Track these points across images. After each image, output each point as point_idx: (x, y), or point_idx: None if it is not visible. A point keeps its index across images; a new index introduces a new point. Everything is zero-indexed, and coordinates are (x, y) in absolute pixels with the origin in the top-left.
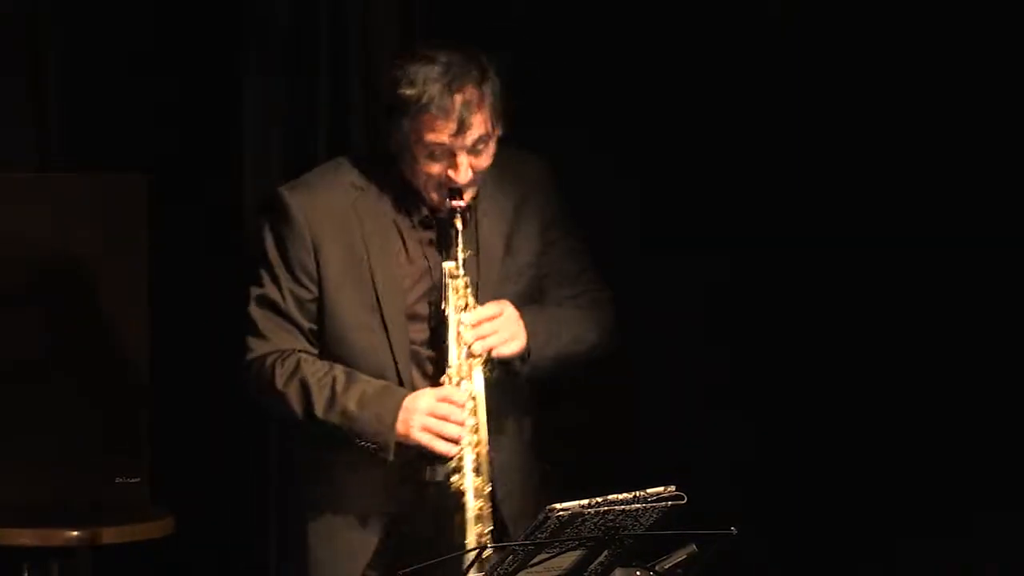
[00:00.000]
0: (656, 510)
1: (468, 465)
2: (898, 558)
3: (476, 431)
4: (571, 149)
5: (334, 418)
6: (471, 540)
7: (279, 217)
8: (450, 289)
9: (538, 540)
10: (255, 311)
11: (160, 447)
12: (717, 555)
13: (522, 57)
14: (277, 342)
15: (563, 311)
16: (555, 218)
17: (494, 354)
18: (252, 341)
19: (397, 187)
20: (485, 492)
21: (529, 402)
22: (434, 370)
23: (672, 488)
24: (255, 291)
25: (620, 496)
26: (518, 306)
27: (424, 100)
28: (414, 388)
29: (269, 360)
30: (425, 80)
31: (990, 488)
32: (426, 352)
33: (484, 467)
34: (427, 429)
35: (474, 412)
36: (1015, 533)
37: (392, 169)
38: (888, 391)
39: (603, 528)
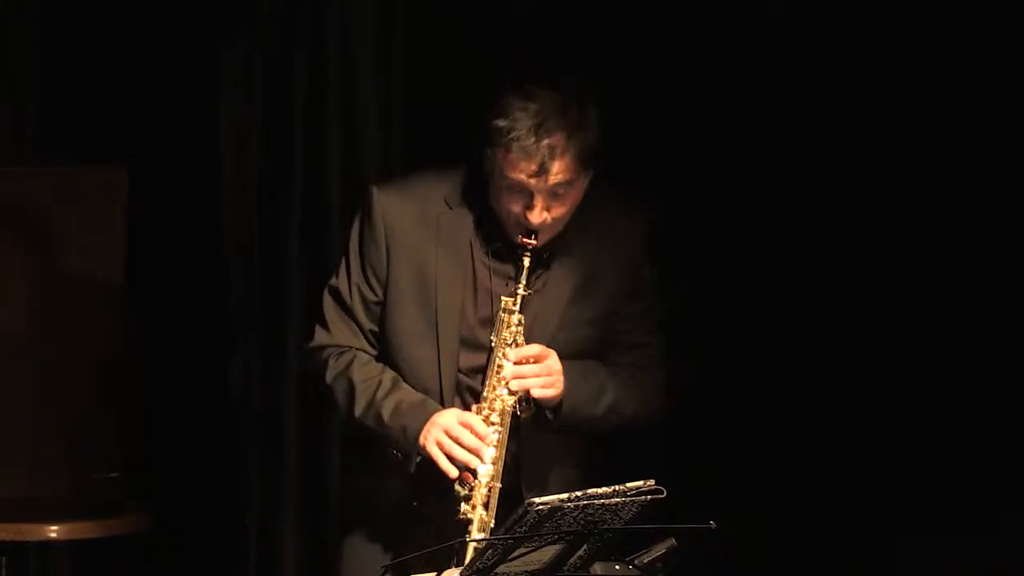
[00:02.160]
0: (635, 504)
1: (479, 498)
2: (896, 559)
3: (494, 464)
4: None
5: (370, 422)
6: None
7: (364, 213)
8: (503, 323)
9: (518, 534)
10: (326, 301)
11: (139, 442)
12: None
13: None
14: (339, 337)
15: (612, 379)
16: (636, 285)
17: (532, 394)
18: (318, 329)
19: (482, 211)
20: (490, 526)
21: (575, 454)
22: (473, 402)
23: (651, 482)
24: (332, 280)
25: (600, 490)
26: (569, 357)
27: (510, 136)
28: (455, 407)
29: (326, 352)
30: (517, 116)
31: (987, 488)
32: (471, 382)
33: (493, 503)
34: (439, 445)
35: (496, 446)
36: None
37: (483, 192)
38: (880, 389)
39: (583, 522)
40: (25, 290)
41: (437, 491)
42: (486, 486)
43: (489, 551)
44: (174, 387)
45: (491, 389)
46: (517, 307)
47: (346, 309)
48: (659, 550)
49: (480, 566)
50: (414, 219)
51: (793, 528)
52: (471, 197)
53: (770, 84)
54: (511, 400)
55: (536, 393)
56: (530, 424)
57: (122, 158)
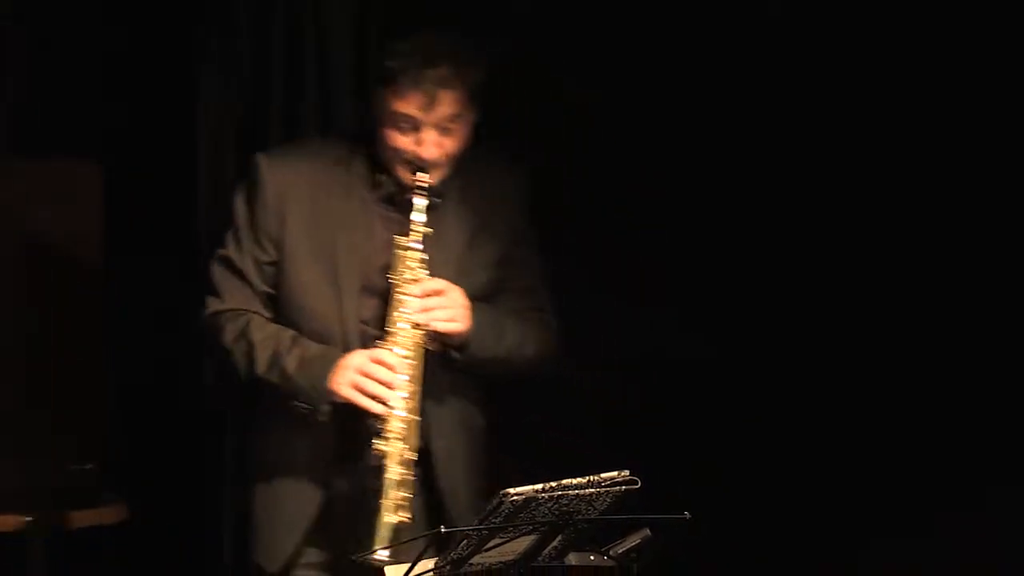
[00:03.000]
0: (610, 495)
1: (394, 431)
2: (867, 557)
3: (409, 399)
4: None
5: (274, 377)
6: (390, 505)
7: (251, 181)
8: (400, 260)
9: (492, 524)
10: (215, 269)
11: (113, 433)
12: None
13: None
14: (232, 302)
15: (510, 319)
16: (521, 232)
17: (437, 328)
18: (209, 299)
19: (372, 163)
20: (408, 459)
21: (478, 403)
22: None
23: (626, 473)
24: (219, 251)
25: (574, 481)
26: (471, 301)
27: (397, 70)
28: None
29: (221, 318)
30: (407, 53)
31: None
32: (374, 331)
33: (412, 437)
34: (355, 386)
35: (409, 380)
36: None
37: (370, 144)
38: (870, 389)
39: (557, 513)
40: (1, 283)
41: (349, 435)
42: (402, 420)
43: (464, 542)
44: (149, 379)
45: (397, 326)
46: (415, 244)
47: (238, 273)
48: (633, 541)
49: (455, 557)
50: (305, 179)
51: (787, 525)
52: (360, 153)
53: (768, 82)
54: (419, 334)
55: (442, 327)
56: (432, 374)
57: (97, 152)
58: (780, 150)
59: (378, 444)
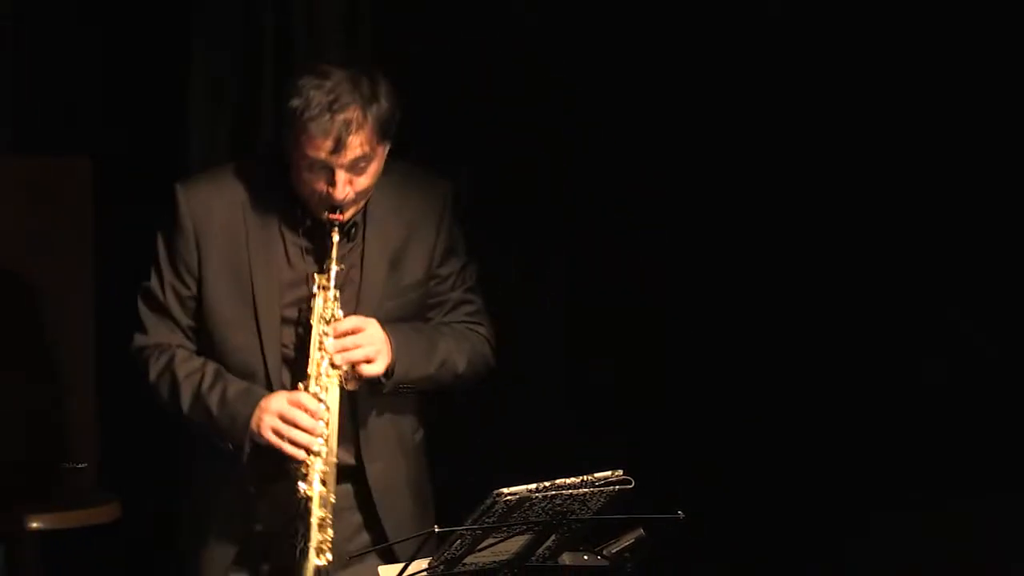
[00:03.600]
0: (604, 494)
1: (316, 474)
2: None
3: (327, 441)
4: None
5: (196, 415)
6: (313, 548)
7: (172, 211)
8: (318, 299)
9: (486, 524)
10: (140, 304)
11: (107, 433)
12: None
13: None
14: (156, 336)
15: (438, 336)
16: (449, 246)
17: (356, 371)
18: (136, 334)
19: (288, 194)
20: (330, 501)
21: (415, 414)
22: (301, 377)
23: (619, 472)
24: (144, 284)
25: (568, 480)
26: (395, 323)
27: (305, 115)
28: (284, 387)
29: (146, 353)
30: (310, 95)
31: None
32: (296, 356)
33: (331, 478)
34: (276, 431)
35: (328, 422)
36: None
37: (287, 175)
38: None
39: (551, 512)
40: None
41: (272, 473)
42: (323, 461)
43: (457, 542)
44: (143, 378)
45: (316, 366)
46: (331, 283)
47: (160, 308)
48: (628, 540)
49: (448, 556)
50: (221, 210)
51: (785, 524)
52: (276, 181)
53: (767, 81)
54: (336, 374)
55: (364, 369)
56: (363, 394)
57: (88, 147)
58: (779, 150)
59: (301, 487)
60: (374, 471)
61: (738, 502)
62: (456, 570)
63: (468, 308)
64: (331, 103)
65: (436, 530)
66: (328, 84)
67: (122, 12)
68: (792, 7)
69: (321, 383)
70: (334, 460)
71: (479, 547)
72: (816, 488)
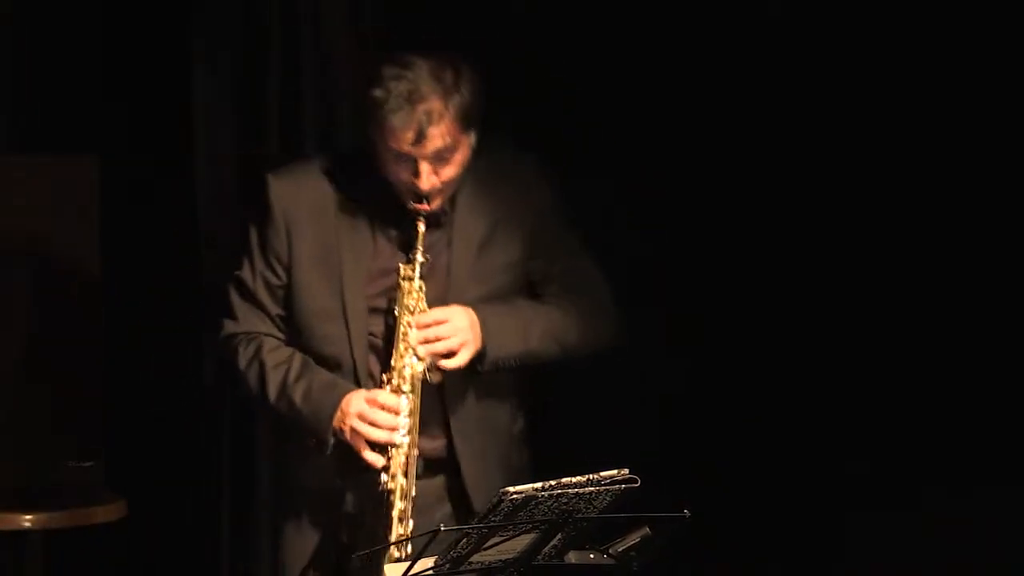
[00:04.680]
0: (610, 493)
1: (398, 467)
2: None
3: (409, 433)
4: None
5: (282, 407)
6: (393, 539)
7: (262, 201)
8: (403, 290)
9: (492, 523)
10: (232, 292)
11: (113, 431)
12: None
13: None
14: (246, 324)
15: (538, 309)
16: (546, 221)
17: (439, 364)
18: (225, 321)
19: (377, 183)
20: (411, 495)
21: (512, 402)
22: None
23: (625, 471)
24: (236, 272)
25: (574, 479)
26: (488, 304)
27: (386, 107)
28: (372, 379)
29: (235, 340)
30: (390, 86)
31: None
32: (384, 344)
33: (412, 470)
34: (356, 432)
35: (410, 415)
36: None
37: (374, 164)
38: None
39: (557, 511)
40: None
41: (356, 463)
42: (403, 455)
43: (463, 540)
44: (148, 377)
45: (399, 358)
46: (416, 273)
47: (251, 297)
48: (633, 539)
49: (454, 555)
50: (311, 199)
51: (786, 524)
52: (364, 170)
53: (766, 81)
54: (420, 367)
55: (446, 363)
56: (454, 383)
57: (94, 146)
58: (778, 150)
59: (383, 480)
60: (467, 463)
61: (739, 502)
62: (462, 569)
63: (575, 279)
64: (411, 93)
65: (442, 529)
66: (409, 75)
67: (126, 10)
68: (792, 7)
69: (404, 375)
70: (415, 453)
71: (485, 546)
72: (816, 488)
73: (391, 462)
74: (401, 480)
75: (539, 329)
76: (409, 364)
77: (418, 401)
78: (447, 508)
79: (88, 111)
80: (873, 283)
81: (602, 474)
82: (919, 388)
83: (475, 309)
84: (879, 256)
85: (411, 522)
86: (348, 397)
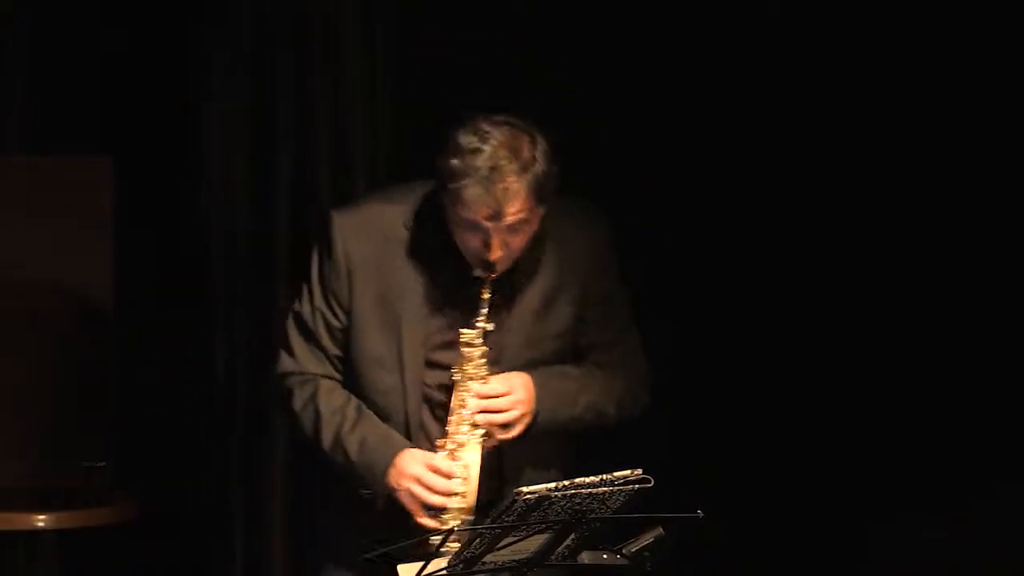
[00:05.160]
0: (623, 493)
1: (453, 520)
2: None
3: (465, 498)
4: None
5: (337, 457)
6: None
7: (324, 240)
8: (464, 357)
9: (505, 523)
10: (290, 327)
11: (125, 431)
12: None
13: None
14: (304, 363)
15: (584, 377)
16: (601, 288)
17: (493, 434)
18: (282, 356)
19: (444, 235)
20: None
21: (560, 455)
22: (443, 416)
23: (639, 471)
24: (295, 306)
25: (587, 479)
26: (540, 369)
27: (464, 182)
28: (424, 431)
29: (292, 379)
30: (469, 160)
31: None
32: (440, 398)
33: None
34: (411, 495)
35: (466, 480)
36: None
37: (441, 215)
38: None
39: (570, 511)
40: (10, 280)
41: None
42: (457, 519)
43: (476, 540)
44: (160, 377)
45: (456, 424)
46: (479, 340)
47: (309, 335)
48: (647, 539)
49: (468, 555)
50: (374, 245)
51: (788, 524)
52: (430, 220)
53: (766, 81)
54: (477, 434)
55: (501, 435)
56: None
57: (107, 147)
58: (777, 149)
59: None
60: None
61: (740, 502)
62: (475, 569)
63: (619, 347)
64: (491, 170)
65: (455, 528)
66: (487, 150)
67: (139, 12)
68: (792, 7)
69: (459, 441)
70: (471, 518)
71: (498, 546)
72: (816, 489)
73: (445, 524)
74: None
75: (586, 399)
76: (466, 434)
77: (476, 466)
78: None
79: (101, 113)
80: (897, 291)
81: (616, 474)
82: (938, 395)
83: (531, 375)
84: (899, 260)
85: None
86: (403, 456)
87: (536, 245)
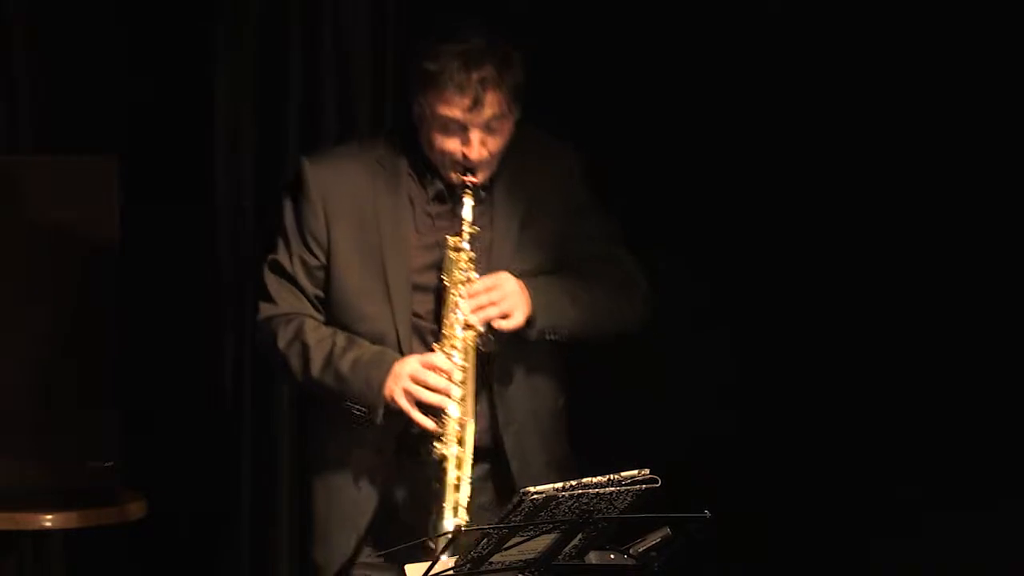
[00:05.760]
0: (630, 493)
1: (452, 435)
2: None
3: (463, 401)
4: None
5: (328, 380)
6: (448, 508)
7: (297, 186)
8: (452, 262)
9: (512, 523)
10: (267, 275)
11: (132, 430)
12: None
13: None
14: (284, 305)
15: (580, 283)
16: (583, 205)
17: (494, 326)
18: (262, 304)
19: (416, 161)
20: (466, 462)
21: (556, 379)
22: (435, 342)
23: (646, 471)
24: (270, 256)
25: (594, 479)
26: (531, 277)
27: (442, 75)
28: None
29: (274, 322)
30: (445, 56)
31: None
32: (429, 325)
33: (468, 439)
34: (407, 393)
35: (463, 383)
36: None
37: (413, 143)
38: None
39: (577, 511)
40: (17, 279)
41: (403, 446)
42: (457, 422)
43: (484, 540)
44: (167, 376)
45: (449, 328)
46: (465, 245)
47: (289, 278)
48: (654, 539)
49: (475, 555)
50: (349, 180)
51: (790, 525)
52: (403, 150)
53: (766, 79)
54: (472, 335)
55: (501, 324)
56: (499, 369)
57: (114, 145)
58: (777, 149)
59: (436, 447)
60: (511, 445)
61: (741, 503)
62: (482, 569)
63: (611, 263)
64: (467, 61)
65: (463, 528)
66: (461, 44)
67: (147, 10)
68: (792, 7)
69: (456, 345)
70: (470, 419)
71: (505, 546)
72: (818, 489)
73: (445, 428)
74: (455, 448)
75: (584, 298)
76: (461, 336)
77: (473, 370)
78: (490, 495)
79: (109, 111)
80: (897, 291)
81: (623, 474)
82: (938, 395)
83: (520, 279)
84: (902, 257)
85: (466, 489)
86: (401, 361)
87: (511, 163)
